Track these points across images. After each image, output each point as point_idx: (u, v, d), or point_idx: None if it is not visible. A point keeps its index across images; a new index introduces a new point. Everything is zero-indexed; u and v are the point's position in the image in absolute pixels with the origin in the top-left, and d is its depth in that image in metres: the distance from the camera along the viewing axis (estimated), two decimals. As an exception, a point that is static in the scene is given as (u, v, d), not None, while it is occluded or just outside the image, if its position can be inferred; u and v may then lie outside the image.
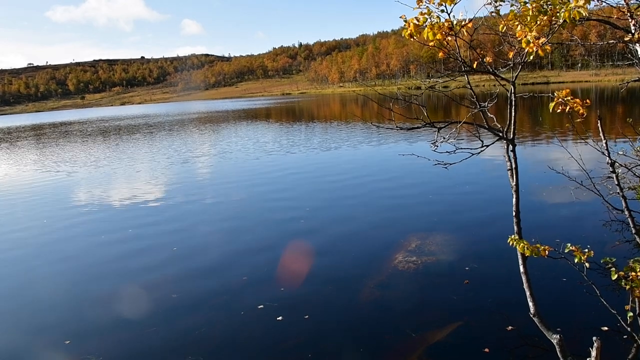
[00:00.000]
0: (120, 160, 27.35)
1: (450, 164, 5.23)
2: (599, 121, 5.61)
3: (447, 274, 8.52)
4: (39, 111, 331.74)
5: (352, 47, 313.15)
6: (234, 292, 8.41)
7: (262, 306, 7.74)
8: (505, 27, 5.54)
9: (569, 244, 4.59)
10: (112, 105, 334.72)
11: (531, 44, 4.89)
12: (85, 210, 15.34)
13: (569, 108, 4.90)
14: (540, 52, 4.95)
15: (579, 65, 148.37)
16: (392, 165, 20.18)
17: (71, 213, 15.17)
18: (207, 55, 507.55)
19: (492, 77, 5.59)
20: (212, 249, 10.87)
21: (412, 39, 4.83)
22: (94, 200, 16.72)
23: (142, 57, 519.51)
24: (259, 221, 12.97)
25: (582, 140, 8.62)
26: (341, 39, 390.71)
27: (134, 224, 13.35)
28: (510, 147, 5.36)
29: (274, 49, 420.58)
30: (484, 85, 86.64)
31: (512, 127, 5.35)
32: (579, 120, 4.71)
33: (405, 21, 4.75)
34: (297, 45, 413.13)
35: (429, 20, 5.02)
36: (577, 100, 4.77)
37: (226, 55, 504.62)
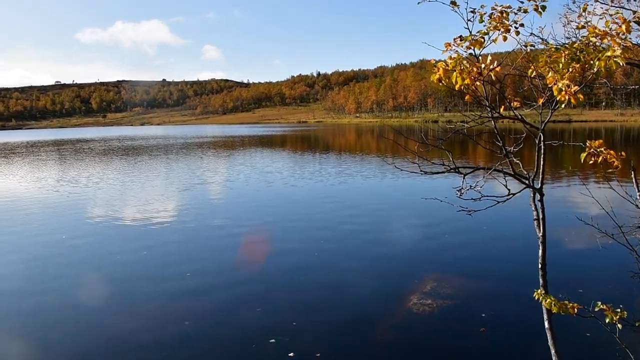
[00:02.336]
0: (130, 181, 27.38)
1: (475, 211, 5.04)
2: (632, 172, 5.42)
3: (463, 319, 8.25)
4: (62, 127, 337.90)
5: (369, 78, 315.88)
6: (245, 324, 8.23)
7: (273, 340, 7.54)
8: (534, 72, 5.43)
9: (599, 303, 4.37)
10: (131, 125, 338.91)
11: (563, 92, 4.75)
12: (97, 228, 15.27)
13: (602, 159, 4.73)
14: (572, 100, 4.81)
15: (603, 104, 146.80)
16: (409, 202, 19.98)
17: (86, 230, 15.10)
18: (226, 80, 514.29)
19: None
20: (223, 275, 10.69)
21: (441, 84, 4.72)
22: (106, 218, 16.65)
23: (164, 80, 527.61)
24: (269, 252, 12.79)
25: (607, 184, 8.39)
26: (359, 69, 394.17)
27: (145, 244, 13.23)
28: (538, 196, 5.18)
29: (292, 77, 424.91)
30: (502, 122, 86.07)
31: (541, 176, 5.17)
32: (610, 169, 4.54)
33: (435, 65, 4.64)
34: (315, 74, 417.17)
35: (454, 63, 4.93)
36: (612, 152, 4.59)
37: (245, 81, 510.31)
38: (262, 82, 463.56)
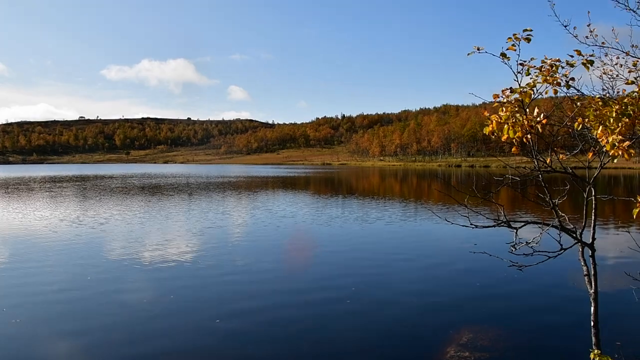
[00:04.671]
0: (139, 223, 27.55)
1: (526, 266, 4.96)
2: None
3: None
4: (84, 163, 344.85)
5: (394, 122, 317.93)
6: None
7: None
8: (580, 125, 5.40)
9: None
10: (155, 163, 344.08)
11: (617, 147, 4.71)
12: (117, 266, 15.31)
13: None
14: (626, 156, 4.77)
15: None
16: (442, 248, 19.74)
17: (108, 268, 15.15)
18: (251, 120, 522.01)
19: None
20: (253, 323, 10.58)
21: (492, 136, 4.72)
22: (126, 256, 16.70)
23: (189, 118, 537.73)
24: (296, 299, 12.64)
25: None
26: (383, 113, 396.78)
27: (169, 285, 13.21)
28: (589, 252, 5.08)
29: (317, 118, 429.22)
30: (524, 167, 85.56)
31: (592, 231, 5.09)
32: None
33: (489, 119, 4.66)
34: (339, 117, 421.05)
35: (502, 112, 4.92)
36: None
37: (269, 121, 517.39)
38: (287, 123, 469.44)
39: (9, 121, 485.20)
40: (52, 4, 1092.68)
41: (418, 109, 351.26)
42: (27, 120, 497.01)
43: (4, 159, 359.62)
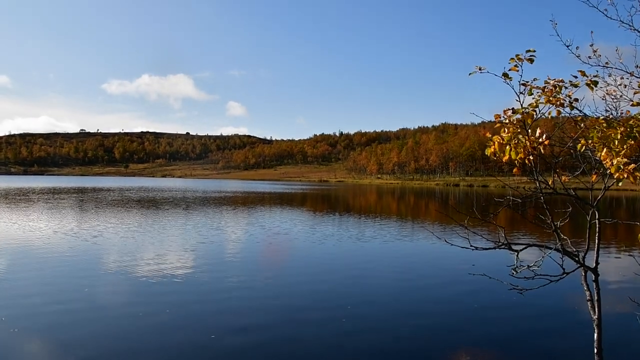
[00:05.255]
0: (131, 237, 27.34)
1: (526, 290, 4.82)
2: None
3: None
4: (84, 175, 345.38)
5: (392, 140, 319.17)
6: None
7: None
8: (583, 147, 5.30)
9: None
10: (153, 176, 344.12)
11: (622, 170, 4.60)
12: (113, 279, 15.11)
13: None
14: (631, 179, 4.66)
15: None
16: (439, 268, 19.57)
17: (109, 280, 14.95)
18: (249, 136, 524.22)
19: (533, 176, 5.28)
20: (251, 341, 10.38)
21: (494, 157, 4.61)
22: (123, 269, 16.49)
23: (187, 133, 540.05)
24: (289, 316, 12.44)
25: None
26: (382, 130, 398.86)
27: (165, 300, 13.00)
28: (592, 276, 4.95)
29: (315, 135, 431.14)
30: (523, 188, 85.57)
31: (596, 255, 4.96)
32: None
33: (490, 140, 4.56)
34: (337, 134, 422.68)
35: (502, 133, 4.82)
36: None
37: (267, 137, 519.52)
38: (285, 139, 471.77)
39: (12, 132, 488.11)
40: (55, 19, 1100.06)
41: (416, 127, 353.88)
42: (29, 132, 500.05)
43: (6, 170, 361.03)
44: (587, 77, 5.00)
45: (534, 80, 5.06)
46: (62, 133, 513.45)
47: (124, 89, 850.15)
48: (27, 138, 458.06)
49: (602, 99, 5.66)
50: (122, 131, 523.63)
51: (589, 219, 5.18)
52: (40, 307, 12.77)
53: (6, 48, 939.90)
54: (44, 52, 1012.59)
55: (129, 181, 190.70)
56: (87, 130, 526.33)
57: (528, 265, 4.56)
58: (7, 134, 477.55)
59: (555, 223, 5.22)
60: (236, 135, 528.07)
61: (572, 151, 5.53)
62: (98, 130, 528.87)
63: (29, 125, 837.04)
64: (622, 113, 5.32)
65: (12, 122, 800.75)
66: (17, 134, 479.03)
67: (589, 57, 5.56)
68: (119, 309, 12.79)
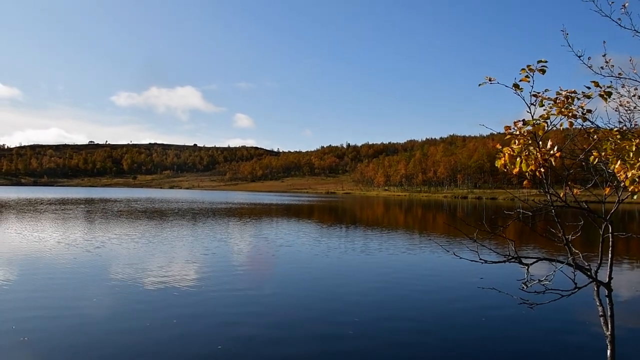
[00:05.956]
0: (134, 248, 27.30)
1: (537, 304, 4.69)
2: None
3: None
4: (92, 186, 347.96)
5: (399, 152, 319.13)
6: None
7: None
8: (596, 160, 5.19)
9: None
10: (161, 188, 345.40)
11: (637, 183, 4.49)
12: (120, 290, 15.04)
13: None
14: (646, 192, 4.54)
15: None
16: (447, 281, 19.37)
17: (116, 291, 14.89)
18: (256, 148, 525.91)
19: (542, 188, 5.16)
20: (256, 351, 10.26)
21: (504, 169, 4.51)
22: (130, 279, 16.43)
23: (195, 145, 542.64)
24: (295, 328, 12.31)
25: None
26: (389, 142, 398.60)
27: (171, 312, 12.91)
28: (605, 291, 4.82)
29: (322, 147, 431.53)
30: (533, 200, 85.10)
31: (609, 269, 4.83)
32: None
33: (501, 151, 4.46)
34: (345, 146, 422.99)
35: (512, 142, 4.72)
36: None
37: (275, 149, 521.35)
38: (292, 151, 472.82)
39: (22, 144, 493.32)
40: (64, 32, 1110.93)
41: (424, 139, 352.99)
42: (39, 143, 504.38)
43: (17, 181, 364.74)
44: (601, 87, 4.90)
45: (545, 91, 4.96)
46: (72, 144, 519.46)
47: (132, 101, 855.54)
48: (37, 149, 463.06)
49: (615, 111, 5.56)
50: (130, 143, 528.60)
51: (601, 232, 5.06)
52: (49, 316, 12.79)
53: (17, 61, 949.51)
54: (53, 64, 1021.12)
55: (137, 192, 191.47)
56: (95, 142, 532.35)
57: (539, 280, 4.44)
58: (18, 145, 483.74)
59: (567, 236, 5.10)
60: (243, 147, 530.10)
61: (584, 163, 5.42)
62: (107, 141, 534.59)
63: (39, 137, 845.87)
64: (637, 125, 5.22)
65: (22, 133, 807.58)
66: (28, 146, 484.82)
67: (602, 68, 5.46)
68: (127, 319, 12.75)
